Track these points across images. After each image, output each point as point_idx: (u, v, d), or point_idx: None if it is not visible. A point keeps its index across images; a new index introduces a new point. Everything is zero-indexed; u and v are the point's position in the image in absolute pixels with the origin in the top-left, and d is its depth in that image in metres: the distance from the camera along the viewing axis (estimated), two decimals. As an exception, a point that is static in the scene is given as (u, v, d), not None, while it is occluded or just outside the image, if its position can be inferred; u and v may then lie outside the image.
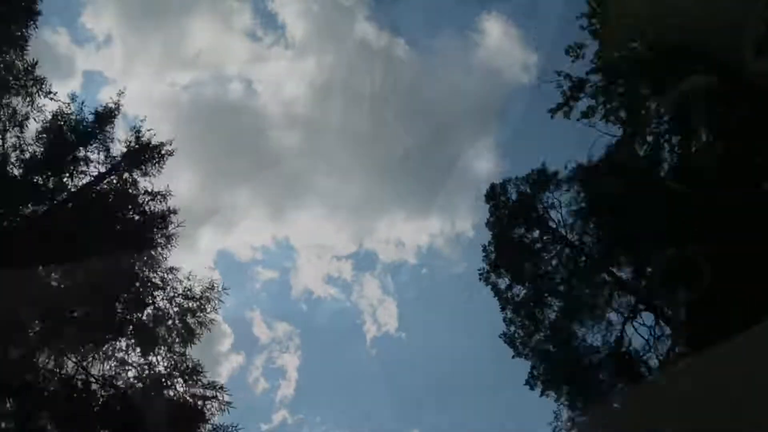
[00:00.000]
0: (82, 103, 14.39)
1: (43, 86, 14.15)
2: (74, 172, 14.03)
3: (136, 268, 13.86)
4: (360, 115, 36.93)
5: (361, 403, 34.12)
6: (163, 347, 13.53)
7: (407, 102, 37.58)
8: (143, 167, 14.31)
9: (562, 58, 17.91)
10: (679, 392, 13.93)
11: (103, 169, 14.24)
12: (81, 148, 14.16)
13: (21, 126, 13.91)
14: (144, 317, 13.74)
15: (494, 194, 21.57)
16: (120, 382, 13.24)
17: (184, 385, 13.37)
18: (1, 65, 13.92)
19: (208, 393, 13.29)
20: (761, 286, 13.73)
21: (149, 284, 13.85)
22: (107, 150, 14.33)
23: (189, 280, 13.93)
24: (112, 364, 13.33)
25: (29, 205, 13.70)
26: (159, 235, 14.02)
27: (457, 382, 33.46)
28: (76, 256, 12.83)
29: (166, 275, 13.95)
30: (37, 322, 12.94)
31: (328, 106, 38.22)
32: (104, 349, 13.35)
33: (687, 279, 16.16)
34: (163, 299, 13.85)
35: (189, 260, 34.86)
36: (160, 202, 14.24)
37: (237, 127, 36.86)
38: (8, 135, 13.80)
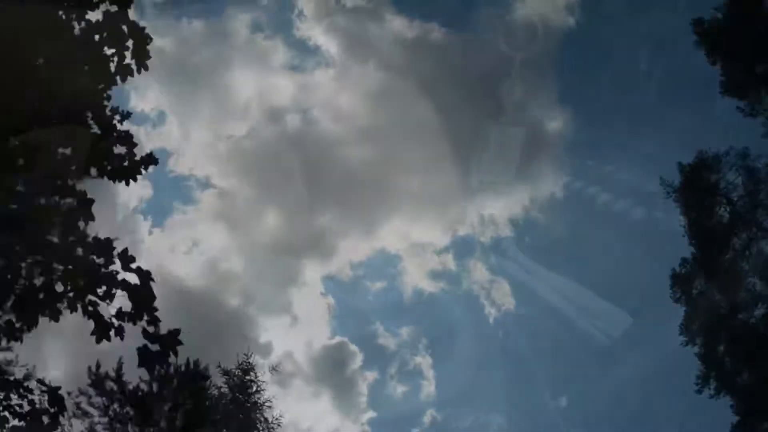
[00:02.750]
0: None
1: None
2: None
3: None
4: (419, 109, 36.59)
5: (501, 384, 34.56)
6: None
7: (460, 82, 36.85)
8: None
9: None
10: None
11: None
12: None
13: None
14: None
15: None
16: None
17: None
18: None
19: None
20: None
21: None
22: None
23: None
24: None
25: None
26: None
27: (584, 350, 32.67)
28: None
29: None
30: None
31: (386, 109, 38.09)
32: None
33: None
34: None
35: (299, 293, 36.31)
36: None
37: (306, 156, 37.53)
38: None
